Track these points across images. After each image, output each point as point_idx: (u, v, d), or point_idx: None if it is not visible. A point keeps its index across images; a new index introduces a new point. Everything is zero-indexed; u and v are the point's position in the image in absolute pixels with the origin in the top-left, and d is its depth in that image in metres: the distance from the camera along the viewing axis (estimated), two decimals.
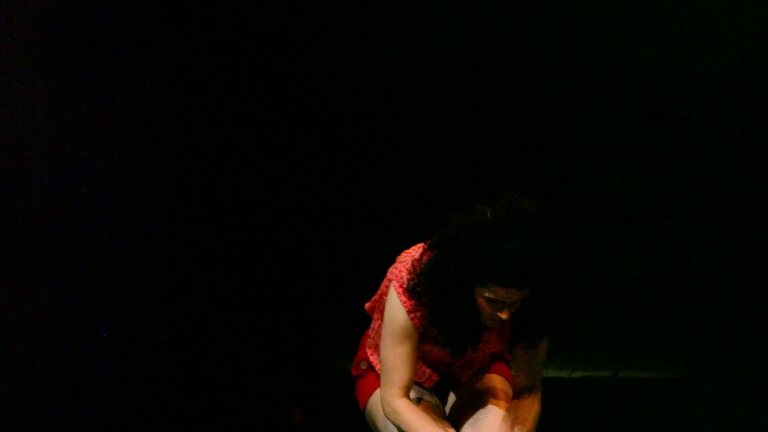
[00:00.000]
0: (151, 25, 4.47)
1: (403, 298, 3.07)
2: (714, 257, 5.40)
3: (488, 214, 2.91)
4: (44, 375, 3.93)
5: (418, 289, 3.03)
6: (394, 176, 5.42)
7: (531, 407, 3.23)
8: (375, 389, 3.33)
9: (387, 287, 3.16)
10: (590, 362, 5.12)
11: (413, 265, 3.06)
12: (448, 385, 3.40)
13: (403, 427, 3.12)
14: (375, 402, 3.31)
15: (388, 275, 3.17)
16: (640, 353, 5.28)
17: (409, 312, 3.07)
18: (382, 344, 3.14)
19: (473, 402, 3.29)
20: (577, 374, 4.96)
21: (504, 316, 2.95)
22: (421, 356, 3.30)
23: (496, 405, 3.25)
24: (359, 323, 3.42)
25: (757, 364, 5.11)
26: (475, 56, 5.40)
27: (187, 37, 4.71)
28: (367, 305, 3.34)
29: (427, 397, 3.31)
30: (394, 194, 5.35)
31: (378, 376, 3.27)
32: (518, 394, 3.27)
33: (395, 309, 3.09)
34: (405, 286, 3.06)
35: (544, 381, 3.25)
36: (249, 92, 5.09)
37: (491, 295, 2.92)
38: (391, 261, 3.20)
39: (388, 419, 3.16)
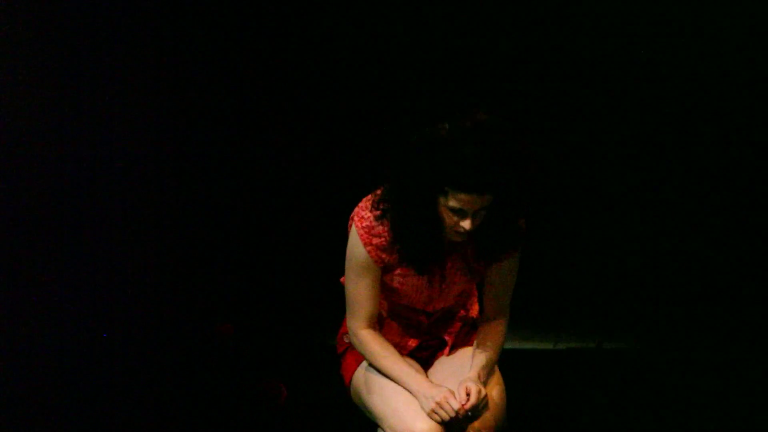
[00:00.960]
0: (151, 25, 4.49)
1: (361, 232, 3.17)
2: (696, 229, 5.42)
3: (447, 126, 3.01)
4: (42, 371, 3.97)
5: (382, 205, 3.13)
6: (376, 153, 5.40)
7: (497, 334, 3.32)
8: (359, 365, 3.35)
9: (350, 227, 3.24)
10: (574, 334, 5.14)
11: (379, 189, 3.16)
12: (429, 356, 3.44)
13: (366, 355, 3.28)
14: (360, 377, 3.34)
15: (351, 215, 3.24)
16: (624, 324, 5.30)
17: (365, 245, 3.17)
18: (345, 279, 3.27)
19: (451, 356, 3.39)
20: (561, 346, 4.98)
21: (467, 225, 3.03)
22: (398, 309, 3.35)
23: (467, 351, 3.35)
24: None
25: (740, 335, 5.13)
26: (472, 57, 5.39)
27: (187, 37, 4.74)
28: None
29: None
30: (375, 171, 5.34)
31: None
32: (486, 320, 3.37)
33: (353, 243, 3.21)
34: (364, 217, 3.16)
35: (527, 353, 3.29)
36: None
37: (453, 204, 3.00)
38: None
39: (355, 348, 3.31)
